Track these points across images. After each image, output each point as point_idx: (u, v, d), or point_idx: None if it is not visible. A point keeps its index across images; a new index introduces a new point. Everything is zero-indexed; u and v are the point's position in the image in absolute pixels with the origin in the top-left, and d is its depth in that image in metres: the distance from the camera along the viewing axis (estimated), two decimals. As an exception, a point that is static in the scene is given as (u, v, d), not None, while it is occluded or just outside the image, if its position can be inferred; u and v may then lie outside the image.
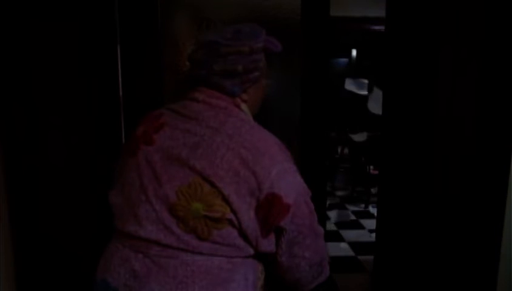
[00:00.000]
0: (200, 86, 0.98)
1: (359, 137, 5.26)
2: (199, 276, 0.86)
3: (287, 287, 1.02)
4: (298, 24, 1.46)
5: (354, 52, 7.41)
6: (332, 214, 4.44)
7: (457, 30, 1.44)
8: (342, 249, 3.51)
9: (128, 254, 0.90)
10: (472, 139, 1.52)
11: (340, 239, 3.73)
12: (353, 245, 3.59)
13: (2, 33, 1.14)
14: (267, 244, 0.91)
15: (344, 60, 7.63)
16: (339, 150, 5.98)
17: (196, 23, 1.43)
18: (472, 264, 1.61)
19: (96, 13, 1.19)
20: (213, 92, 0.96)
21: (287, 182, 0.89)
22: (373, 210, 4.53)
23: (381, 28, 5.71)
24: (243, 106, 1.00)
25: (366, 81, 5.29)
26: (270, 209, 0.86)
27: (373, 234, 3.74)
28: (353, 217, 4.36)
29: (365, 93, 5.02)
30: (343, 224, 4.11)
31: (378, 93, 5.10)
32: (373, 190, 4.53)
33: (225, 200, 0.85)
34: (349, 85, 5.13)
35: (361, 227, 4.05)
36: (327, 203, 4.85)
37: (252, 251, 0.91)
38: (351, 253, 3.44)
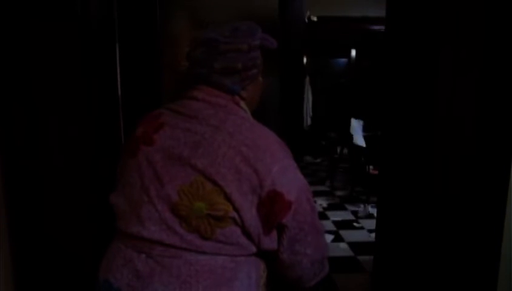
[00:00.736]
0: (199, 85, 0.98)
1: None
2: (203, 275, 0.86)
3: (288, 284, 1.03)
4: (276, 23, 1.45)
5: (353, 52, 7.42)
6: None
7: (457, 30, 1.44)
8: (342, 249, 3.51)
9: (131, 254, 0.90)
10: (472, 138, 1.52)
11: (340, 239, 3.73)
12: (352, 245, 3.59)
13: (1, 33, 1.14)
14: (269, 242, 0.91)
15: (344, 60, 7.64)
16: (338, 150, 5.98)
17: (194, 23, 1.44)
18: (473, 264, 1.61)
19: (95, 12, 1.19)
20: (212, 90, 0.96)
21: (289, 179, 0.89)
22: (372, 210, 4.53)
23: (381, 28, 5.75)
24: (242, 104, 1.00)
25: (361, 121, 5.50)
26: (272, 206, 0.86)
27: (373, 234, 3.75)
28: (370, 210, 4.36)
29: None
30: (344, 224, 4.10)
31: (354, 125, 5.15)
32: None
33: (228, 198, 0.85)
34: (354, 125, 5.22)
35: (361, 227, 4.05)
36: (327, 203, 4.85)
37: (254, 249, 0.91)
38: (350, 253, 3.44)
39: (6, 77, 1.15)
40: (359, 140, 4.96)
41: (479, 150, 1.54)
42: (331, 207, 4.69)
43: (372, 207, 4.59)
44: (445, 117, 1.51)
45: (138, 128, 0.98)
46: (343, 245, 3.60)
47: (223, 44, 0.95)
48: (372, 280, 2.72)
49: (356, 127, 5.18)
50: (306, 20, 5.44)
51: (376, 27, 5.88)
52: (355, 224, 4.13)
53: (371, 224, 4.07)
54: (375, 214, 4.29)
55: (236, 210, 0.85)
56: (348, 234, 3.83)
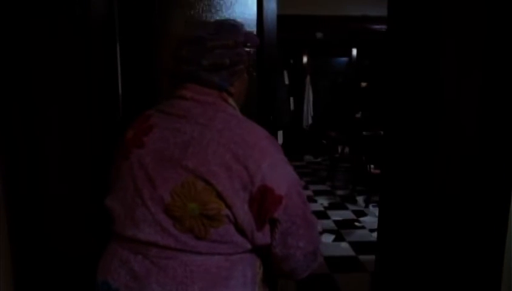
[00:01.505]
0: (187, 84, 0.98)
1: None
2: (199, 275, 0.87)
3: (283, 276, 1.04)
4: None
5: (354, 51, 7.41)
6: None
7: (460, 29, 1.43)
8: (343, 249, 3.50)
9: (128, 256, 0.90)
10: (475, 137, 1.51)
11: (341, 238, 3.72)
12: (353, 244, 3.58)
13: (1, 32, 1.13)
14: (263, 237, 0.91)
15: (344, 59, 7.63)
16: (339, 149, 5.97)
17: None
18: (476, 263, 1.60)
19: (94, 12, 1.18)
20: (200, 88, 0.97)
21: (278, 173, 0.90)
22: (373, 209, 4.52)
23: (382, 27, 5.75)
24: (230, 100, 1.01)
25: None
26: (263, 202, 0.87)
27: (374, 234, 3.74)
28: (371, 209, 4.36)
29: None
30: (345, 223, 4.09)
31: None
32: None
33: (220, 196, 0.85)
34: None
35: (362, 227, 4.04)
36: (327, 202, 4.85)
37: (249, 246, 0.92)
38: (352, 252, 3.43)
39: (5, 77, 1.15)
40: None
41: (482, 149, 1.53)
42: (332, 206, 4.68)
43: (373, 206, 4.58)
44: (448, 116, 1.50)
45: (129, 131, 0.99)
46: (344, 244, 3.59)
47: (210, 41, 0.95)
48: (373, 280, 2.71)
49: None
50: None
51: (377, 26, 5.86)
52: (356, 224, 4.12)
53: (372, 223, 4.07)
54: (376, 214, 4.30)
55: (228, 207, 0.86)
56: (349, 234, 3.82)
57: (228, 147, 0.87)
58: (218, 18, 1.60)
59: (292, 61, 7.33)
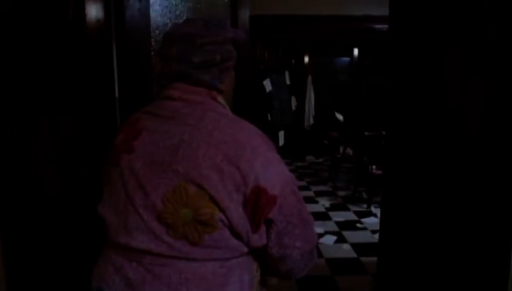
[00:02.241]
0: (175, 83, 0.95)
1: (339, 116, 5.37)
2: (194, 283, 0.85)
3: (279, 276, 1.03)
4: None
5: (356, 51, 7.38)
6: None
7: (464, 28, 1.41)
8: (344, 250, 3.47)
9: (122, 262, 0.89)
10: (479, 137, 1.49)
11: (342, 240, 3.69)
12: (355, 246, 3.55)
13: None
14: (258, 238, 0.89)
15: (346, 59, 7.60)
16: (341, 150, 5.94)
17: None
18: (481, 267, 1.57)
19: (89, 14, 1.16)
20: (189, 87, 0.94)
21: (272, 173, 0.87)
22: (375, 210, 4.49)
23: (384, 26, 5.72)
24: (220, 98, 0.98)
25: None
26: (257, 203, 0.85)
27: (376, 235, 3.71)
28: (373, 210, 4.33)
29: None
30: (347, 224, 4.06)
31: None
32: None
33: (212, 200, 0.83)
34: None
35: (364, 228, 4.01)
36: (329, 203, 4.82)
37: (245, 249, 0.90)
38: (353, 254, 3.40)
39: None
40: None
41: (486, 149, 1.50)
42: (334, 207, 4.65)
43: (375, 207, 4.55)
44: (452, 116, 1.48)
45: (118, 135, 0.96)
46: (345, 246, 3.56)
47: (199, 38, 0.93)
48: (375, 283, 2.69)
49: None
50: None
51: (378, 26, 5.83)
52: (358, 225, 4.09)
53: (374, 224, 4.03)
54: (378, 215, 4.27)
55: (222, 211, 0.83)
56: (351, 235, 3.79)
57: (219, 148, 0.84)
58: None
59: (293, 61, 7.31)
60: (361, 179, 5.04)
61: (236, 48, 1.01)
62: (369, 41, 6.90)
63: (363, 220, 4.21)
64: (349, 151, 5.71)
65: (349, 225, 4.05)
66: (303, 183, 5.68)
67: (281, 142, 5.75)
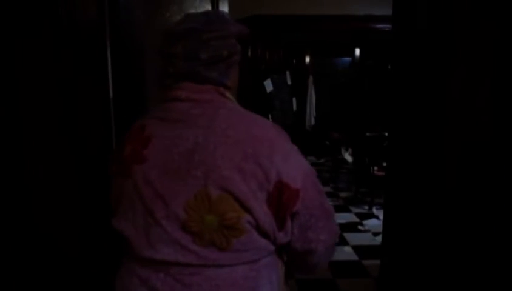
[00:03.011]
0: (181, 83, 0.90)
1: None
2: (225, 289, 0.82)
3: (301, 272, 1.01)
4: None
5: (357, 51, 7.33)
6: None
7: (471, 28, 1.36)
8: (346, 253, 3.43)
9: (148, 274, 0.85)
10: (486, 138, 1.45)
11: (344, 242, 3.64)
12: (357, 248, 3.50)
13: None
14: (284, 235, 0.87)
15: (348, 59, 7.56)
16: (342, 151, 5.89)
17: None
18: (488, 270, 1.53)
19: (83, 21, 1.12)
20: (196, 86, 0.89)
21: (292, 166, 0.85)
22: (377, 211, 4.45)
23: (386, 26, 5.67)
24: (228, 94, 0.94)
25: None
26: (280, 198, 0.82)
27: (378, 238, 3.67)
28: (375, 212, 4.28)
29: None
30: (348, 226, 4.02)
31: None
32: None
33: (237, 201, 0.80)
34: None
35: (366, 230, 3.96)
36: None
37: (272, 248, 0.88)
38: (355, 257, 3.35)
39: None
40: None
41: (494, 150, 1.46)
42: (335, 209, 4.54)
43: (376, 208, 4.51)
44: (458, 117, 1.44)
45: (126, 146, 0.91)
46: (347, 248, 3.51)
47: (204, 33, 0.88)
48: (377, 287, 2.64)
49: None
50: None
51: (380, 26, 5.78)
52: (359, 227, 4.04)
53: (376, 226, 3.99)
54: (380, 217, 4.23)
55: (248, 211, 0.80)
56: (352, 238, 3.75)
57: (236, 147, 0.81)
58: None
59: (294, 61, 7.27)
60: (363, 181, 5.00)
61: (240, 43, 0.96)
62: (371, 41, 6.85)
63: (364, 222, 4.16)
64: (348, 156, 5.66)
65: (351, 227, 4.01)
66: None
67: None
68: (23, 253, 1.18)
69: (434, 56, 1.54)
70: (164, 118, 0.89)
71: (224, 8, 1.86)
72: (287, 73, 6.30)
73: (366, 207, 4.61)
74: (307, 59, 7.38)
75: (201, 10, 1.73)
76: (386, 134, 4.97)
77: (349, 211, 4.55)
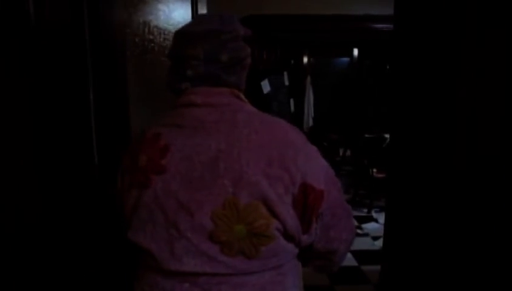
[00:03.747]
0: (195, 88, 0.87)
1: None
2: None
3: (319, 271, 1.00)
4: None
5: (356, 51, 7.26)
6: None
7: (480, 25, 1.29)
8: (344, 258, 3.35)
9: (173, 285, 0.83)
10: (496, 141, 1.38)
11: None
12: (356, 253, 3.42)
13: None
14: (308, 237, 0.87)
15: (346, 59, 7.48)
16: (341, 152, 5.82)
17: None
18: (493, 277, 1.46)
19: (55, 20, 1.03)
20: (210, 89, 0.86)
21: (314, 167, 0.85)
22: (376, 215, 4.37)
23: (384, 26, 5.60)
24: (242, 95, 0.92)
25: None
26: (305, 200, 0.82)
27: (377, 242, 3.59)
28: (374, 215, 4.19)
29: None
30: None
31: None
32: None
33: (266, 207, 0.79)
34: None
35: (365, 234, 3.88)
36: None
37: (296, 251, 0.88)
38: (354, 262, 3.27)
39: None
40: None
41: (504, 151, 1.39)
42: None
43: (376, 211, 4.43)
44: (466, 117, 1.36)
45: (140, 156, 0.86)
46: (345, 253, 3.43)
47: (222, 34, 0.86)
48: (377, 294, 2.57)
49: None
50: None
51: (379, 25, 5.71)
52: (358, 231, 3.96)
53: (375, 230, 3.91)
54: (379, 220, 4.16)
55: (276, 217, 0.80)
56: (351, 242, 3.66)
57: (261, 152, 0.80)
58: (166, 26, 1.52)
59: (292, 61, 7.19)
60: (362, 183, 4.92)
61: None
62: (369, 41, 6.78)
63: (363, 226, 4.08)
64: (349, 153, 5.59)
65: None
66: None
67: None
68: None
69: (441, 57, 1.46)
70: (180, 125, 0.85)
71: (203, 7, 1.81)
72: (285, 73, 6.23)
73: (365, 210, 4.53)
74: (305, 59, 7.30)
75: (180, 9, 1.66)
76: (386, 135, 4.91)
77: (348, 214, 4.46)
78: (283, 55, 6.79)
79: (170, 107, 0.91)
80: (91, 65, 1.14)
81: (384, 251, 2.30)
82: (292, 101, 6.49)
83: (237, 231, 0.79)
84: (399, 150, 1.94)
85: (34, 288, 1.06)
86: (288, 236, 0.83)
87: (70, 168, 1.12)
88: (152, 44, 1.41)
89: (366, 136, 5.02)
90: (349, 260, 3.29)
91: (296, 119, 6.88)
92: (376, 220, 4.18)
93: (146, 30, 1.37)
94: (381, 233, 3.87)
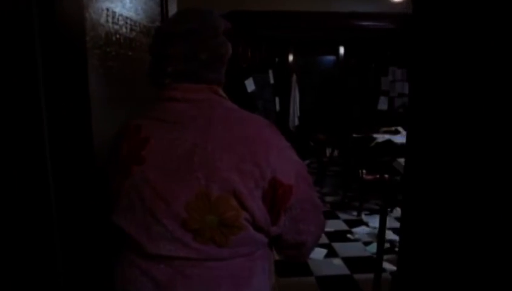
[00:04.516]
0: (176, 84, 0.91)
1: None
2: (224, 280, 0.87)
3: (288, 259, 1.06)
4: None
5: (342, 49, 7.13)
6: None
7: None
8: (336, 266, 3.17)
9: (148, 265, 0.89)
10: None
11: (333, 254, 3.38)
12: (347, 261, 3.25)
13: None
14: (277, 228, 0.92)
15: (332, 57, 7.35)
16: (328, 153, 5.67)
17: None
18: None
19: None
20: (190, 86, 0.91)
21: (286, 163, 0.89)
22: (366, 218, 4.22)
23: (370, 24, 5.48)
24: (221, 91, 0.96)
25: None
26: (274, 194, 0.87)
27: (369, 248, 3.43)
28: (364, 218, 4.03)
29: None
30: (337, 235, 3.77)
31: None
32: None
33: (237, 200, 0.84)
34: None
35: (356, 240, 3.71)
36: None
37: (266, 240, 0.93)
38: (346, 270, 3.10)
39: None
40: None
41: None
42: (322, 215, 4.37)
43: (365, 214, 4.29)
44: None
45: (122, 146, 0.92)
46: (337, 261, 3.25)
47: (203, 32, 0.91)
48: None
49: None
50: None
51: (365, 23, 5.59)
52: (349, 236, 3.80)
53: (366, 234, 3.77)
54: (370, 224, 4.01)
55: (245, 209, 0.84)
56: (342, 248, 3.49)
57: (234, 149, 0.84)
58: (133, 16, 1.41)
59: (277, 60, 7.01)
60: (351, 185, 4.78)
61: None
62: (355, 39, 6.66)
63: (354, 230, 3.92)
64: (336, 153, 5.43)
65: (340, 236, 3.76)
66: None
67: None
68: None
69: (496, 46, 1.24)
70: (161, 119, 0.90)
71: (173, 4, 1.73)
72: (270, 71, 6.06)
73: (355, 213, 4.38)
74: (291, 58, 7.13)
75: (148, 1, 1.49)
76: (374, 135, 4.77)
77: (337, 217, 4.31)
78: (268, 53, 6.62)
79: (153, 99, 0.94)
80: (41, 59, 0.92)
81: (400, 259, 2.08)
82: (277, 100, 6.33)
83: (209, 221, 0.84)
84: (421, 147, 1.70)
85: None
86: (257, 227, 0.88)
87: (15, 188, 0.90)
88: (118, 35, 1.19)
89: (354, 135, 4.87)
90: (341, 269, 3.12)
91: (281, 118, 6.72)
92: (366, 224, 4.04)
93: (110, 18, 1.15)
94: (372, 237, 3.74)
